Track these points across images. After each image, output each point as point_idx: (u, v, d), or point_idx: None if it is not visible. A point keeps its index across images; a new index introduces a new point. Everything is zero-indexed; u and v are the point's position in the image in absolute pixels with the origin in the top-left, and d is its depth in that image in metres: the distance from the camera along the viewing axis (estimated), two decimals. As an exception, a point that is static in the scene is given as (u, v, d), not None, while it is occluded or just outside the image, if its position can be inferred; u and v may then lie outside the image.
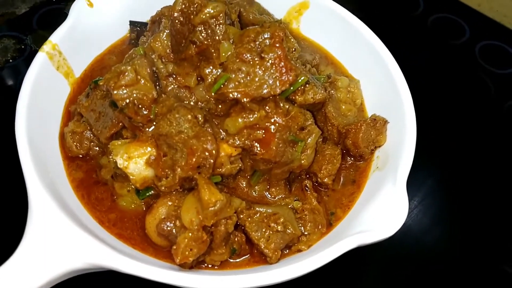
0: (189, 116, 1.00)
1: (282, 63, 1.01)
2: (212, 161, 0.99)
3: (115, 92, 1.00)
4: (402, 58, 1.30)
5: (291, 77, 1.01)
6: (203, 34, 1.01)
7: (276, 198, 1.14)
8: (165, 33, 1.08)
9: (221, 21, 1.01)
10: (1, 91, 1.55)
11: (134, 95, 1.01)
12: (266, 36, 1.01)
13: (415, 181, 1.42)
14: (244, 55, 1.01)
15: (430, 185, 1.44)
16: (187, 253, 0.94)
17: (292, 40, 1.19)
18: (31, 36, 1.68)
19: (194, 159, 0.98)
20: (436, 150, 1.52)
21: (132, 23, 1.40)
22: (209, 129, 1.02)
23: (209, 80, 1.03)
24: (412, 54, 1.71)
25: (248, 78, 1.00)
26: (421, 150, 1.16)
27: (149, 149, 1.03)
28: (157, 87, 1.06)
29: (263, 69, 1.00)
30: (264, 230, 1.03)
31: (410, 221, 1.34)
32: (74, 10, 1.31)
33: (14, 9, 1.86)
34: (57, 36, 1.25)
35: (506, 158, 1.51)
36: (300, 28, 1.47)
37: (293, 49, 1.17)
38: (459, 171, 1.48)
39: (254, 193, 1.13)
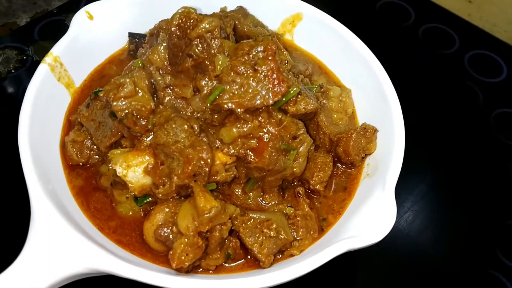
0: (186, 126, 1.04)
1: (275, 75, 1.04)
2: (207, 169, 1.02)
3: (114, 103, 1.03)
4: (393, 68, 1.33)
5: (283, 89, 1.04)
6: (199, 48, 1.04)
7: (270, 204, 1.16)
8: (162, 46, 1.11)
9: (216, 35, 1.04)
10: (3, 101, 1.57)
11: (133, 106, 1.04)
12: (259, 49, 1.05)
13: (408, 186, 1.46)
14: (239, 67, 1.04)
15: (422, 190, 1.47)
16: (183, 258, 0.97)
17: (284, 52, 1.23)
18: (32, 47, 1.71)
19: (190, 168, 1.01)
20: (428, 156, 1.56)
21: (131, 35, 1.42)
22: (205, 139, 1.05)
23: (205, 91, 1.06)
24: (403, 63, 1.75)
25: (242, 89, 1.03)
26: (414, 156, 1.19)
27: (147, 158, 1.06)
28: (155, 98, 1.09)
29: (257, 81, 1.04)
30: (257, 235, 1.06)
31: (400, 226, 1.37)
32: (75, 23, 1.32)
33: (15, 19, 1.89)
34: (58, 49, 1.27)
35: (493, 164, 1.55)
36: (293, 39, 1.50)
37: (286, 61, 1.20)
38: (450, 177, 1.52)
39: (248, 199, 1.16)
